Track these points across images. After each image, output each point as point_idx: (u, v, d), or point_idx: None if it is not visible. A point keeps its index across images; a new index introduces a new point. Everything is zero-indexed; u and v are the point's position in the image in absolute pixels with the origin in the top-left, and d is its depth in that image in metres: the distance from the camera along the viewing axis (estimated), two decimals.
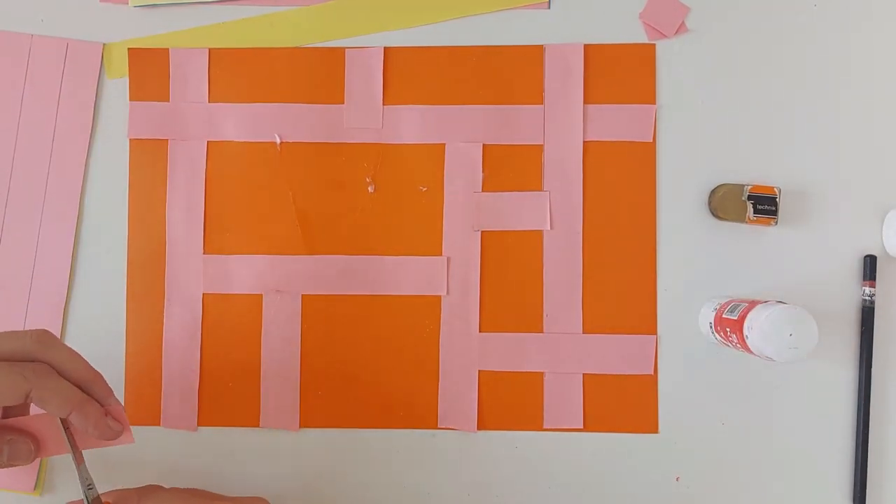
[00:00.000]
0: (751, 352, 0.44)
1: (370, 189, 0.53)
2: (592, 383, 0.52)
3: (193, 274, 0.53)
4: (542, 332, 0.52)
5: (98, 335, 0.52)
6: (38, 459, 0.46)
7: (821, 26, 0.53)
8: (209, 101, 0.53)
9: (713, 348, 0.52)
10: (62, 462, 0.52)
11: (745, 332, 0.44)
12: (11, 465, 0.41)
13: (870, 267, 0.51)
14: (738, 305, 0.47)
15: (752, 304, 0.45)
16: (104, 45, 0.54)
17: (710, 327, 0.49)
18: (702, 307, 0.52)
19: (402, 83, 0.53)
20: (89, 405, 0.41)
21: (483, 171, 0.53)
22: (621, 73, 0.53)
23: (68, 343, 0.52)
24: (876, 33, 0.53)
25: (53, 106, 0.53)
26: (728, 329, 0.46)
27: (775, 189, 0.51)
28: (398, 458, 0.52)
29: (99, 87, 0.54)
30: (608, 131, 0.53)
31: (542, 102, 0.53)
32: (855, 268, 0.52)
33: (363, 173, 0.53)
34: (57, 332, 0.52)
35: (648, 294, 0.52)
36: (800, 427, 0.51)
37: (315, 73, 0.53)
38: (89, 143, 0.53)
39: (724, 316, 0.47)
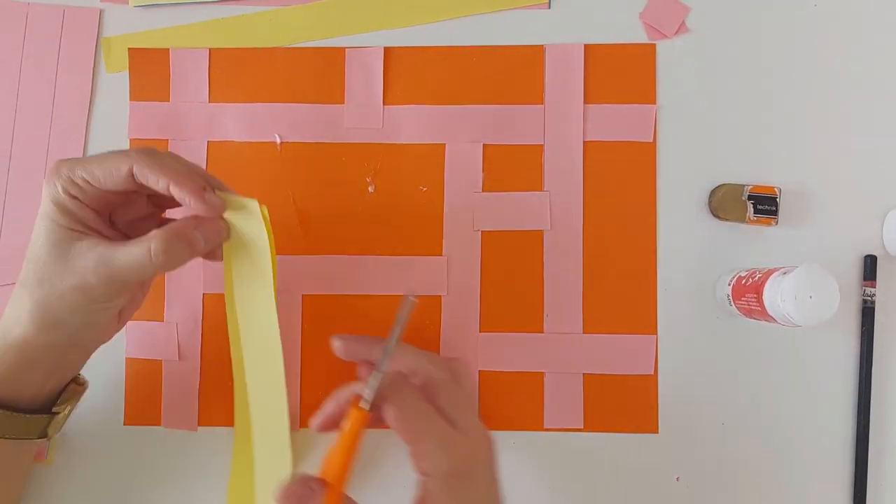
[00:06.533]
0: (773, 319, 0.44)
1: (370, 189, 0.53)
2: (592, 383, 0.52)
3: (193, 274, 0.53)
4: (542, 332, 0.52)
5: None
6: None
7: (821, 26, 0.53)
8: (209, 101, 0.53)
9: (713, 347, 0.52)
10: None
11: (766, 298, 0.44)
12: (212, 250, 0.43)
13: (870, 267, 0.51)
14: (756, 273, 0.46)
15: (770, 271, 0.45)
16: (103, 38, 0.54)
17: (728, 299, 0.49)
18: (716, 282, 0.51)
19: (402, 83, 0.53)
20: (186, 178, 0.40)
21: (483, 171, 0.53)
22: (621, 73, 0.53)
23: None
24: (876, 33, 0.53)
25: (51, 87, 0.53)
26: (749, 298, 0.46)
27: (775, 189, 0.51)
28: (398, 458, 0.52)
29: (96, 58, 0.54)
30: (608, 131, 0.53)
31: (542, 102, 0.53)
32: (855, 268, 0.52)
33: (363, 173, 0.53)
34: None
35: (648, 294, 0.52)
36: (800, 427, 0.51)
37: (315, 73, 0.53)
38: (89, 143, 0.53)
39: (744, 284, 0.47)
